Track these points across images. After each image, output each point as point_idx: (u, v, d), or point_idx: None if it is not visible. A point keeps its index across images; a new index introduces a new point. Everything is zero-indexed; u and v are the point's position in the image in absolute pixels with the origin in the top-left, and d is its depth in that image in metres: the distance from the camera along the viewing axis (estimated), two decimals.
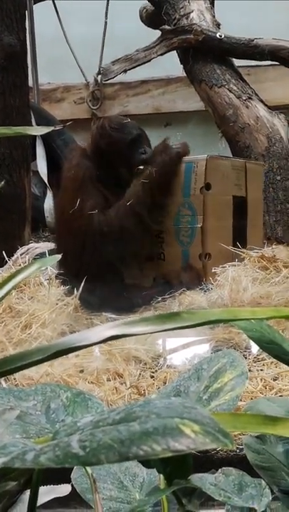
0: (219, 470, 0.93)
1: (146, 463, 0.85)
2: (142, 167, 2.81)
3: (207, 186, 2.83)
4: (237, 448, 1.70)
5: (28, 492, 0.86)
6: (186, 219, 2.84)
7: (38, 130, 1.07)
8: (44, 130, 1.09)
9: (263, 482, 0.92)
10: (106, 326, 0.80)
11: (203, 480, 0.86)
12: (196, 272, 2.81)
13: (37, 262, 1.00)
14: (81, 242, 2.74)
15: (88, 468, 0.95)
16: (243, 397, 1.86)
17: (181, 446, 0.54)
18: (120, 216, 2.71)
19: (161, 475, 0.95)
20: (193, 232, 2.83)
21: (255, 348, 2.24)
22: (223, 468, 0.93)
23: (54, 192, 4.31)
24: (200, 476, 0.88)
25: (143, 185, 2.73)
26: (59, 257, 1.07)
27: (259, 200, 3.17)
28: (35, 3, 4.68)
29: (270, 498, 0.91)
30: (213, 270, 2.73)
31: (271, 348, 0.95)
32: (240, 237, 2.94)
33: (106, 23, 5.04)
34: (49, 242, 3.72)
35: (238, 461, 1.55)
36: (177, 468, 0.83)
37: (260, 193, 3.19)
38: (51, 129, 1.05)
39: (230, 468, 0.93)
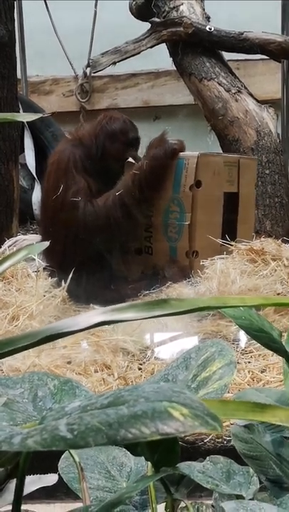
0: (207, 458, 0.93)
1: (134, 450, 0.85)
2: (131, 159, 2.80)
3: (197, 184, 2.81)
4: (224, 439, 1.70)
5: (14, 481, 0.85)
6: (174, 215, 2.84)
7: (25, 117, 1.06)
8: (32, 117, 1.09)
9: (251, 470, 0.91)
10: (95, 312, 0.80)
11: (191, 468, 0.86)
12: (182, 266, 2.80)
13: (24, 249, 0.99)
14: (65, 230, 2.73)
15: (76, 457, 0.94)
16: (231, 389, 1.86)
17: (170, 429, 0.53)
18: (108, 206, 2.70)
19: (149, 464, 0.95)
20: (181, 228, 2.82)
21: (243, 341, 2.25)
22: (211, 456, 0.92)
23: (42, 184, 4.29)
24: (188, 463, 0.88)
25: (133, 176, 2.73)
26: (47, 244, 1.06)
27: (251, 195, 3.16)
28: None
29: (258, 486, 0.91)
30: (201, 263, 2.73)
31: (260, 336, 0.95)
32: (229, 233, 2.94)
33: (95, 13, 5.01)
34: (37, 234, 3.71)
35: (225, 453, 1.56)
36: (165, 455, 0.83)
37: (253, 188, 3.18)
38: (39, 115, 1.04)
39: (218, 456, 0.93)
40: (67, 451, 1.03)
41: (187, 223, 2.80)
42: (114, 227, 2.71)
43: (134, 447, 0.84)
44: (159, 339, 2.27)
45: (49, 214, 2.80)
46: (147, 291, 2.71)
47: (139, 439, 0.52)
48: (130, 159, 2.82)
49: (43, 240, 2.88)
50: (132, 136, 2.88)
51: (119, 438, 0.52)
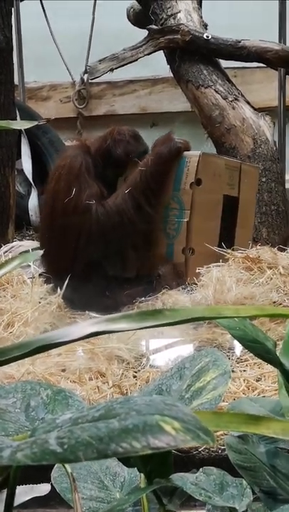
0: (200, 469, 0.92)
1: (127, 461, 0.84)
2: (136, 159, 2.84)
3: (198, 182, 2.85)
4: (219, 449, 1.69)
5: (6, 492, 0.84)
6: (173, 212, 2.87)
7: (21, 124, 1.06)
8: (27, 124, 1.08)
9: (244, 482, 0.91)
10: (88, 323, 0.79)
11: (184, 479, 0.85)
12: (177, 270, 2.81)
13: (19, 257, 0.98)
14: (76, 234, 2.73)
15: (68, 467, 0.94)
16: (226, 398, 1.86)
17: (161, 444, 0.52)
18: (119, 204, 2.73)
19: (142, 474, 0.94)
20: (180, 226, 2.85)
21: (238, 349, 2.24)
22: (204, 467, 0.92)
23: (39, 190, 4.29)
24: (181, 475, 0.87)
25: (140, 173, 2.75)
26: (41, 252, 1.05)
27: (252, 202, 3.18)
28: (21, 1, 4.65)
29: (251, 498, 0.90)
30: (197, 270, 2.72)
31: (254, 346, 0.94)
32: (227, 237, 2.95)
33: (93, 19, 5.01)
34: (33, 240, 3.71)
35: (220, 462, 1.55)
36: (158, 467, 0.82)
37: (254, 195, 3.21)
38: (34, 123, 1.04)
39: (212, 467, 0.92)
40: None
41: (186, 220, 2.83)
42: (128, 224, 2.74)
43: (126, 459, 0.83)
44: (154, 347, 2.26)
45: (57, 216, 2.79)
46: (143, 298, 2.70)
47: (130, 453, 0.51)
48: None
49: (43, 244, 2.89)
50: (142, 149, 2.92)
51: (109, 452, 0.52)
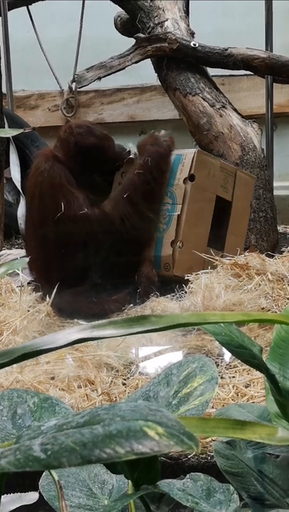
0: (187, 475, 0.92)
1: (114, 468, 0.84)
2: (132, 156, 2.87)
3: (191, 177, 2.88)
4: (208, 455, 1.69)
5: None
6: (166, 207, 2.89)
7: (7, 132, 1.06)
8: (12, 132, 1.09)
9: (231, 487, 0.91)
10: (74, 330, 0.79)
11: (171, 485, 0.85)
12: (150, 277, 2.81)
13: (4, 264, 0.98)
14: (76, 245, 2.72)
15: (55, 475, 0.93)
16: (215, 405, 1.86)
17: (144, 449, 0.52)
18: (120, 209, 2.73)
19: (130, 481, 0.94)
20: (170, 219, 2.87)
21: (227, 356, 2.24)
22: (192, 473, 0.92)
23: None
24: (168, 481, 0.87)
25: (138, 176, 2.76)
26: (27, 260, 1.05)
27: (245, 210, 3.20)
28: (9, 10, 4.66)
29: (238, 504, 0.90)
30: (186, 277, 2.73)
31: (240, 352, 0.95)
32: (218, 242, 2.96)
33: (81, 28, 5.03)
34: (22, 249, 3.70)
35: (209, 469, 1.55)
36: (145, 473, 0.82)
37: (248, 203, 3.23)
38: (20, 131, 1.04)
39: (199, 473, 0.92)
40: None
41: (177, 214, 2.85)
42: (130, 229, 2.76)
43: (113, 465, 0.83)
44: (143, 354, 2.26)
45: (48, 231, 2.76)
46: (132, 305, 2.70)
47: (114, 459, 0.51)
48: (132, 155, 2.90)
49: (30, 254, 2.87)
50: (102, 135, 2.89)
51: (93, 458, 0.52)
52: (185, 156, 2.91)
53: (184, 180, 2.88)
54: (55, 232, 2.72)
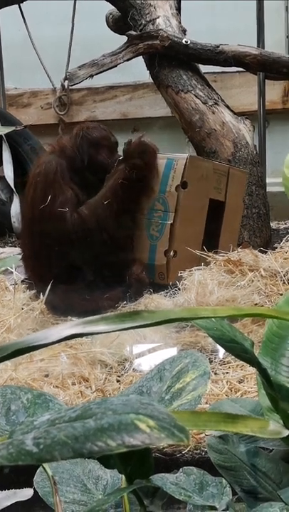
0: (180, 469, 0.93)
1: (107, 463, 0.85)
2: (120, 158, 2.85)
3: (183, 185, 2.86)
4: (202, 450, 1.70)
5: None
6: (158, 214, 2.89)
7: None
8: (5, 130, 1.09)
9: (224, 481, 0.92)
10: (66, 325, 0.80)
11: (164, 479, 0.86)
12: (141, 279, 2.81)
13: None
14: (53, 242, 2.74)
15: (49, 470, 0.94)
16: (209, 400, 1.87)
17: (136, 442, 0.53)
18: (98, 215, 2.73)
19: (124, 476, 0.94)
20: (163, 228, 2.87)
21: (221, 352, 2.25)
22: (184, 467, 0.93)
23: (21, 197, 4.29)
24: (161, 475, 0.88)
25: (122, 186, 2.76)
26: (19, 257, 1.06)
27: (239, 206, 3.20)
28: (0, 8, 4.65)
29: (231, 497, 0.91)
30: (179, 274, 2.74)
31: (232, 346, 0.95)
32: (211, 240, 2.96)
33: (73, 25, 5.02)
34: (15, 247, 3.70)
35: (204, 464, 1.55)
36: (138, 467, 0.83)
37: (241, 200, 3.23)
38: (11, 128, 1.04)
39: (192, 467, 0.93)
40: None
41: (169, 222, 2.84)
42: (105, 234, 2.75)
43: (106, 460, 0.84)
44: (137, 351, 2.27)
45: (35, 224, 2.80)
46: (125, 302, 2.71)
47: (106, 452, 0.52)
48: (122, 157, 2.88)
49: (24, 251, 2.88)
50: (113, 141, 2.96)
51: (85, 451, 0.52)
52: (177, 161, 2.87)
53: (176, 188, 2.85)
54: (40, 226, 2.74)
